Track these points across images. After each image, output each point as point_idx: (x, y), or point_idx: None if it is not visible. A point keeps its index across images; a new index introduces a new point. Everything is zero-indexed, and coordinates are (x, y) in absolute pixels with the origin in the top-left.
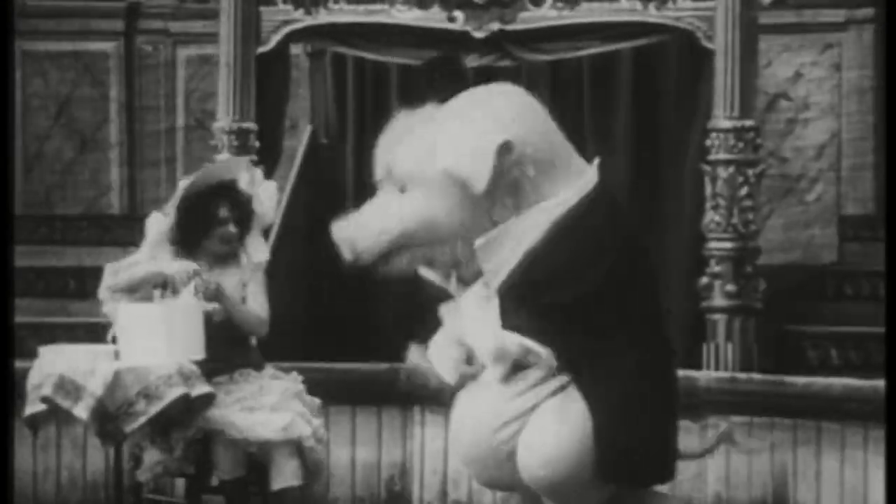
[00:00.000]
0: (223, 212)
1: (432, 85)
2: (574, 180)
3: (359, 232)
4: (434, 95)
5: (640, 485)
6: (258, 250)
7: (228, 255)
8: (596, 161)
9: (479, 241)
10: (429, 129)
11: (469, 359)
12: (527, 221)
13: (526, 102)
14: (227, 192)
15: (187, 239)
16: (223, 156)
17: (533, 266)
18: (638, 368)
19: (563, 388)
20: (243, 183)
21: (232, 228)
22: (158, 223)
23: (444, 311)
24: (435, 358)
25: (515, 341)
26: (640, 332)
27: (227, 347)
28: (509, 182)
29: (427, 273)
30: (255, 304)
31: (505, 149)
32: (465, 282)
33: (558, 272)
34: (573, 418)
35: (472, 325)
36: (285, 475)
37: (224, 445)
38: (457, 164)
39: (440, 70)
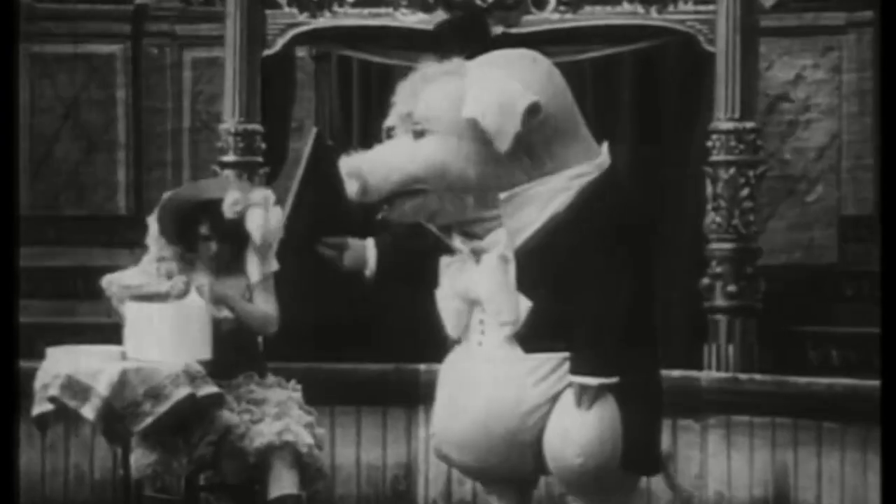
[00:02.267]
0: (204, 229)
1: (454, 42)
2: (586, 154)
3: (369, 167)
4: (457, 52)
5: (648, 475)
6: (253, 270)
7: (229, 265)
8: (605, 143)
9: (503, 195)
10: (456, 79)
11: (470, 314)
12: (552, 185)
13: (552, 71)
14: (210, 210)
15: (177, 246)
16: (229, 157)
17: (558, 231)
18: (655, 358)
19: None
20: (228, 202)
21: (213, 246)
22: (153, 226)
23: (445, 263)
24: (442, 310)
25: (527, 305)
26: (654, 317)
27: (234, 354)
28: (529, 144)
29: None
30: (264, 304)
31: (532, 110)
32: (471, 237)
33: (585, 241)
34: (607, 407)
35: (487, 284)
36: (282, 483)
37: (230, 452)
38: (484, 117)
39: (464, 28)
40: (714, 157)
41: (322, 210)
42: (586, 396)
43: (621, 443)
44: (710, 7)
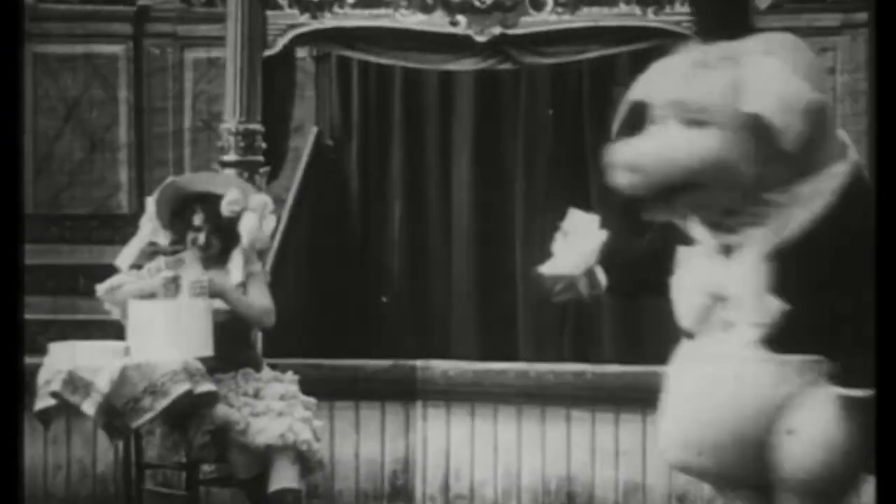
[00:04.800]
0: (197, 220)
1: (713, 22)
2: (840, 151)
3: (650, 160)
4: (717, 34)
5: None
6: (236, 271)
7: (216, 259)
8: (845, 134)
9: (767, 196)
10: (732, 67)
11: (710, 311)
12: (815, 185)
13: (813, 56)
14: (208, 202)
15: (167, 230)
16: (230, 157)
17: (821, 233)
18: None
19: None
20: (227, 200)
21: (201, 239)
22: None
23: (685, 254)
24: (680, 303)
25: (779, 308)
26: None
27: (230, 346)
28: (805, 142)
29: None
30: (260, 297)
31: (816, 107)
32: (723, 230)
33: (847, 245)
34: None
35: (743, 283)
36: (283, 477)
37: (238, 447)
38: (772, 112)
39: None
40: None
41: (322, 208)
42: (854, 408)
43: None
44: None
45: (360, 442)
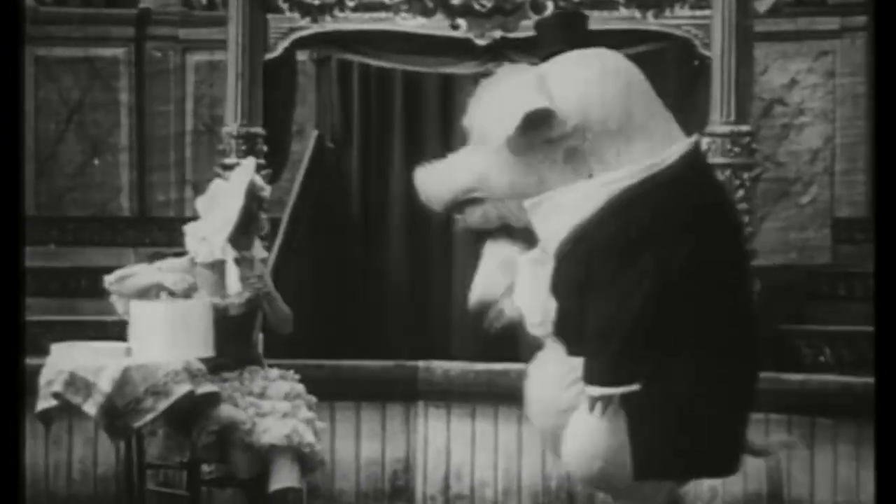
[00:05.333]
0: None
1: (552, 41)
2: (657, 151)
3: (429, 179)
4: (555, 51)
5: (677, 480)
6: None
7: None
8: (694, 138)
9: (528, 202)
10: (508, 90)
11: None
12: (579, 192)
13: (607, 71)
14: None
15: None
16: (231, 160)
17: (582, 239)
18: (693, 375)
19: None
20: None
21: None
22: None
23: (490, 246)
24: (479, 282)
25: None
26: (708, 335)
27: (235, 343)
28: (565, 149)
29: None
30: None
31: (538, 117)
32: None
33: (608, 252)
34: (620, 416)
35: (521, 289)
36: (284, 477)
37: (241, 447)
38: (471, 122)
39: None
40: (710, 160)
41: (322, 211)
42: (598, 405)
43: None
44: (706, 12)
45: (361, 442)
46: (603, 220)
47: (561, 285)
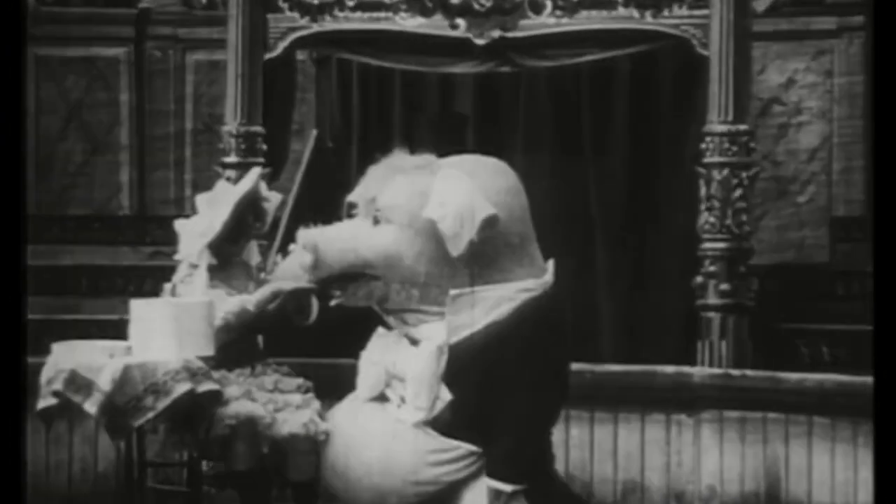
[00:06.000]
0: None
1: (431, 129)
2: (531, 272)
3: (325, 243)
4: (432, 139)
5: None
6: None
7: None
8: (552, 261)
9: (454, 292)
10: (424, 176)
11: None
12: (500, 293)
13: (513, 184)
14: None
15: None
16: (231, 159)
17: (497, 336)
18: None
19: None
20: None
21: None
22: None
23: (379, 333)
24: (362, 372)
25: (447, 398)
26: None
27: (245, 342)
28: (480, 252)
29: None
30: None
31: (489, 223)
32: (405, 323)
33: (519, 352)
34: None
35: (417, 370)
36: (303, 468)
37: (245, 439)
38: (444, 221)
39: (443, 118)
40: (708, 159)
41: (321, 211)
42: (502, 499)
43: None
44: (704, 12)
45: None
46: (518, 324)
47: (465, 375)
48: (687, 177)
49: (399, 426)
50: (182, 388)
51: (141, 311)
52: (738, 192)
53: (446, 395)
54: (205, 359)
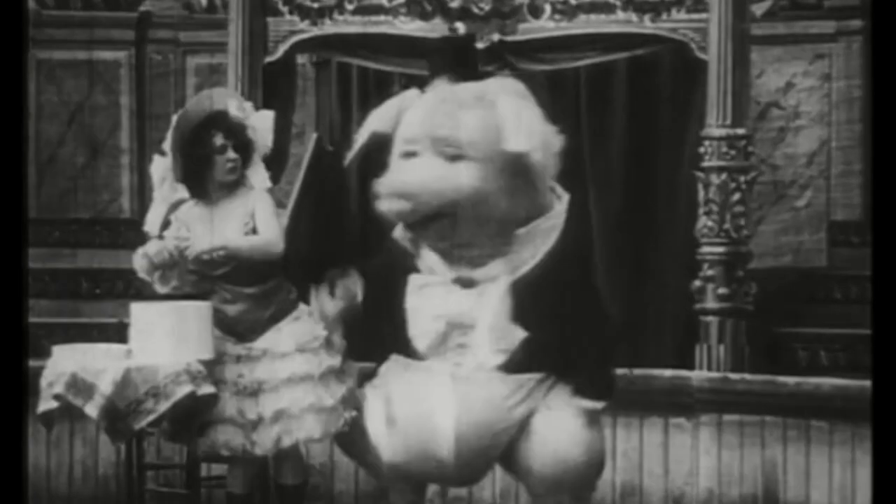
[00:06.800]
0: (219, 139)
1: (444, 64)
2: (549, 192)
3: (418, 189)
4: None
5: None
6: (259, 178)
7: (235, 184)
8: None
9: (522, 230)
10: (488, 108)
11: (447, 337)
12: (550, 222)
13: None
14: (220, 120)
15: (190, 173)
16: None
17: (555, 265)
18: None
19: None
20: (233, 111)
21: (231, 154)
22: (160, 164)
23: (418, 283)
24: (417, 329)
25: (521, 336)
26: None
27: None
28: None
29: (405, 240)
30: (265, 226)
31: (560, 150)
32: (459, 263)
33: (577, 274)
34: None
35: (489, 313)
36: (296, 472)
37: (245, 465)
38: (535, 153)
39: (456, 51)
40: (706, 163)
41: (322, 214)
42: (589, 416)
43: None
44: (703, 16)
45: None
46: (566, 248)
47: (530, 311)
48: (685, 180)
49: (472, 386)
50: (182, 390)
51: (141, 314)
52: (736, 196)
53: (520, 333)
54: (204, 363)
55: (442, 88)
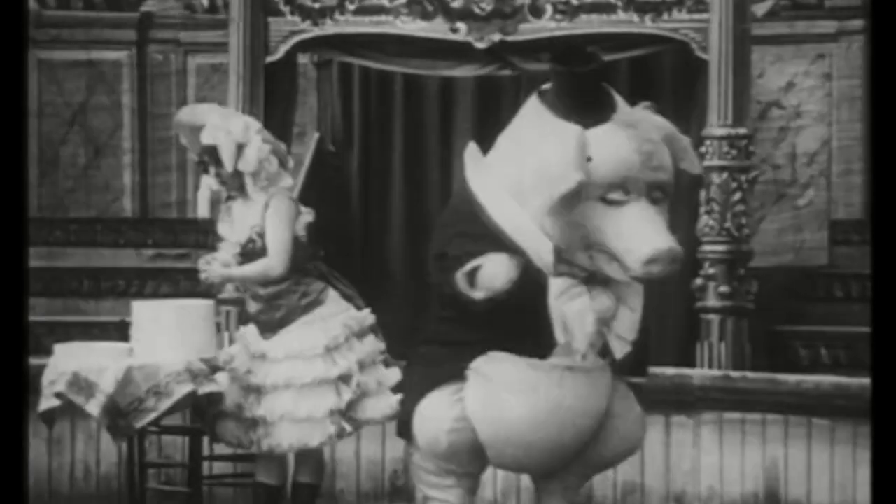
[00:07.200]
0: (197, 157)
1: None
2: None
3: (677, 253)
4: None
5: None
6: (256, 197)
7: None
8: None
9: None
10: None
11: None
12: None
13: None
14: (193, 144)
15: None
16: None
17: None
18: None
19: None
20: (206, 129)
21: (211, 171)
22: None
23: (569, 283)
24: (578, 327)
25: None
26: None
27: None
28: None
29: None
30: (269, 242)
31: None
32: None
33: None
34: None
35: (633, 300)
36: (312, 470)
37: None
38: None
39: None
40: (707, 162)
41: (323, 213)
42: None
43: None
44: (704, 16)
45: (361, 442)
46: None
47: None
48: (686, 179)
49: (591, 378)
50: (184, 389)
51: (143, 313)
52: (737, 196)
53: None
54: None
55: (617, 123)
